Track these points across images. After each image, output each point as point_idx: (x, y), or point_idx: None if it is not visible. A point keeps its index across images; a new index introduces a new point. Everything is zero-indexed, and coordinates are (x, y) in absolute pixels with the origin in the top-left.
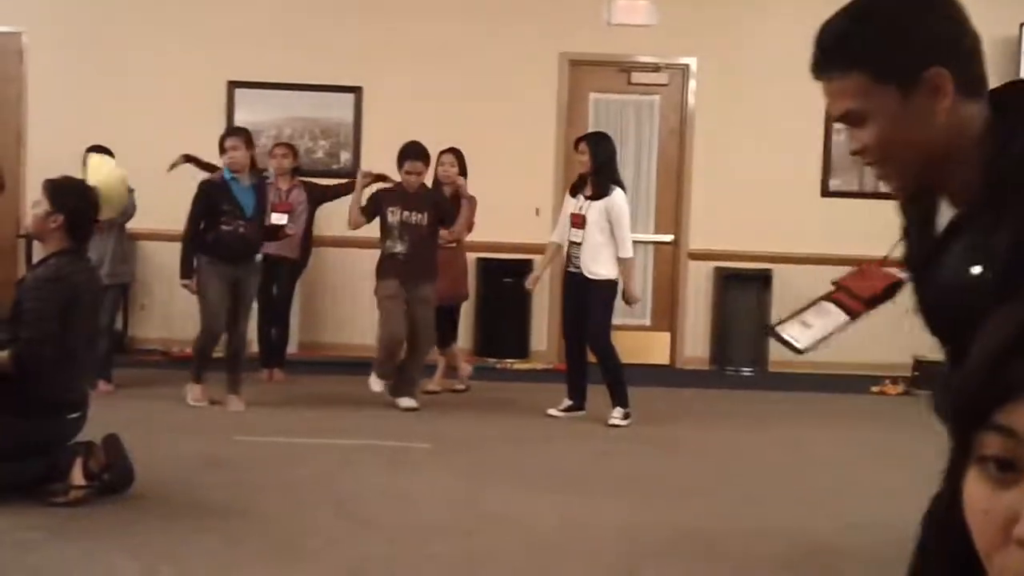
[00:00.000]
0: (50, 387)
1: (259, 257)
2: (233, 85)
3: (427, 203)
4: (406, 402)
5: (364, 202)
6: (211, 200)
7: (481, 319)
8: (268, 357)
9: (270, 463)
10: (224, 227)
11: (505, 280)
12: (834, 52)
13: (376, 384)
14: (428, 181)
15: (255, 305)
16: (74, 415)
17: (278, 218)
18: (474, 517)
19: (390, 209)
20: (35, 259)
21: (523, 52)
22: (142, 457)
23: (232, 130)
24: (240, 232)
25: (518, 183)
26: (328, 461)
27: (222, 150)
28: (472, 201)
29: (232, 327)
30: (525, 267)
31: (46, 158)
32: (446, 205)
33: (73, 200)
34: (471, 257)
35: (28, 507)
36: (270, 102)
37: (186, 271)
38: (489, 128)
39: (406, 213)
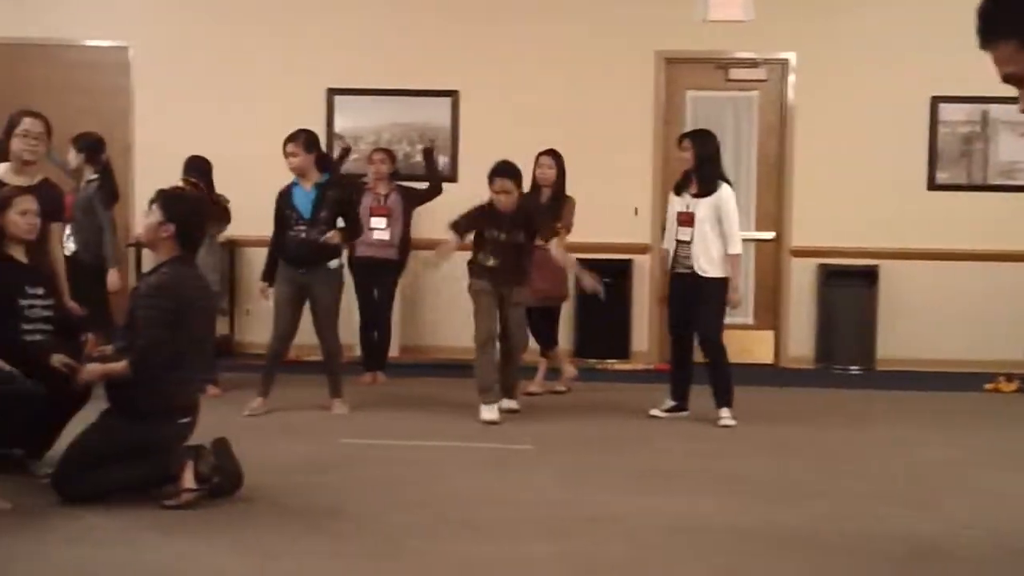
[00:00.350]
0: (162, 392)
1: (334, 263)
2: (332, 92)
3: (520, 222)
4: (507, 403)
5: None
6: (279, 206)
7: (581, 320)
8: (370, 360)
9: (375, 465)
10: (289, 232)
11: (605, 280)
12: (984, 27)
13: (488, 412)
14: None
15: (356, 309)
16: (185, 419)
17: (377, 222)
18: (577, 518)
19: (487, 230)
20: (145, 267)
21: (619, 51)
22: (250, 460)
23: (292, 135)
24: (301, 237)
25: (616, 183)
26: (431, 463)
27: (285, 155)
28: (570, 202)
29: (318, 332)
30: (625, 267)
31: (153, 168)
32: (540, 219)
33: (184, 210)
34: (571, 256)
35: (141, 508)
36: (368, 108)
37: (264, 275)
38: (586, 129)
39: (500, 234)
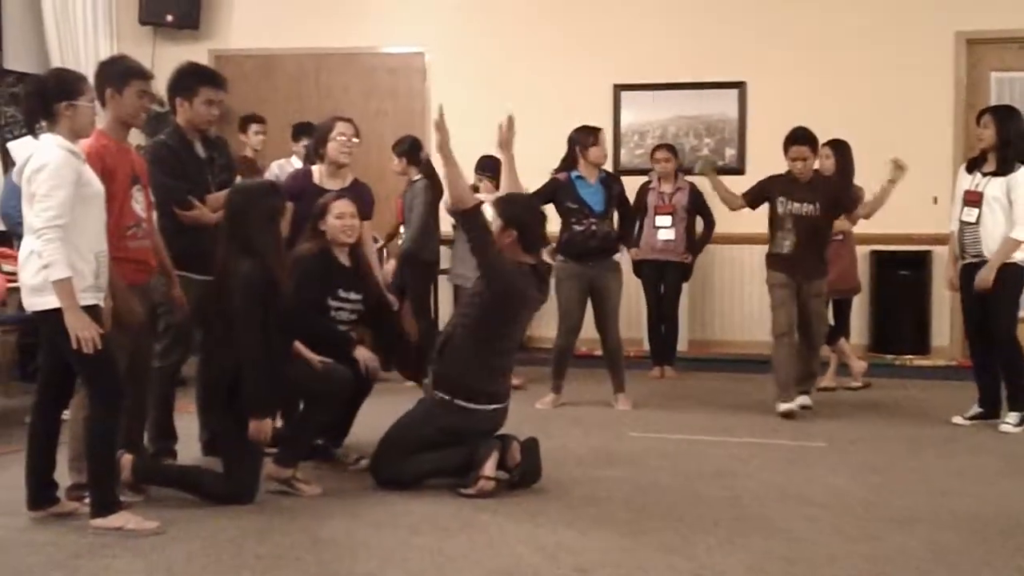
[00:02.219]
0: (476, 379)
1: (618, 256)
2: (619, 88)
3: (819, 192)
4: (801, 399)
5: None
6: (558, 199)
7: (876, 313)
8: (658, 355)
9: (665, 459)
10: (575, 227)
11: (901, 272)
12: None
13: (785, 405)
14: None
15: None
16: (496, 406)
17: (661, 221)
18: (876, 520)
19: (779, 199)
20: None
21: (916, 34)
22: (543, 451)
23: (597, 129)
24: (592, 230)
25: (913, 171)
26: (723, 458)
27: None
28: (859, 193)
29: (600, 327)
30: (924, 258)
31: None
32: (841, 193)
33: (522, 214)
34: (864, 249)
35: (443, 496)
36: (654, 102)
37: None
38: (881, 116)
39: (795, 204)
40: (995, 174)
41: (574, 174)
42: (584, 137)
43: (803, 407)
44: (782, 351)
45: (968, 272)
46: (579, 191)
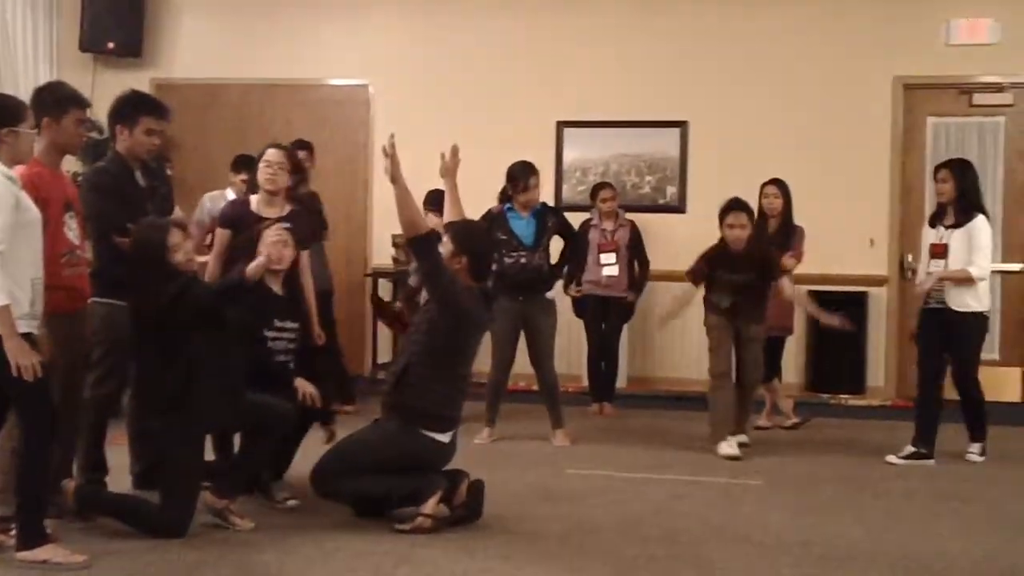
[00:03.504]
0: (438, 404)
1: (551, 294)
2: (562, 124)
3: (754, 263)
4: (739, 438)
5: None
6: (490, 229)
7: (813, 353)
8: (598, 391)
9: (603, 496)
10: (506, 259)
11: (836, 312)
12: None
13: (727, 447)
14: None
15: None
16: (453, 432)
17: (606, 258)
18: (813, 558)
19: (719, 272)
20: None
21: (855, 77)
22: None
23: (532, 168)
24: (521, 263)
25: (850, 212)
26: (660, 495)
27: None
28: (799, 231)
29: (535, 363)
30: (860, 299)
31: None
32: (772, 261)
33: (475, 241)
34: (801, 289)
35: (380, 532)
36: (597, 139)
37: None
38: (819, 156)
39: (733, 276)
40: (955, 226)
41: (507, 206)
42: (515, 183)
43: (741, 445)
44: (720, 392)
45: (931, 316)
46: (510, 223)
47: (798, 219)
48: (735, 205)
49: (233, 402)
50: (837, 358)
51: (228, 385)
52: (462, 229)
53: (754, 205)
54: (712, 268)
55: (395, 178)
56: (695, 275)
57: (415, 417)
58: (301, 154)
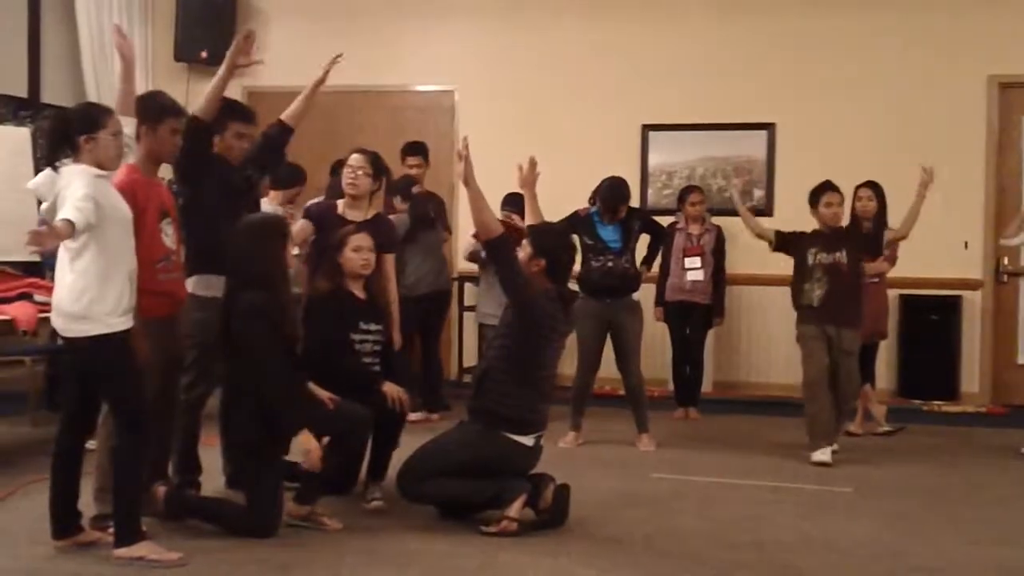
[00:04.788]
0: (519, 409)
1: (637, 295)
2: (647, 128)
3: (845, 240)
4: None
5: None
6: (576, 232)
7: (904, 358)
8: (683, 396)
9: (688, 501)
10: (593, 263)
11: (931, 317)
12: None
13: (821, 455)
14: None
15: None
16: (539, 434)
17: (691, 262)
18: (904, 568)
19: (809, 251)
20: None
21: (948, 77)
22: None
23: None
24: (608, 267)
25: (944, 215)
26: (747, 502)
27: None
28: (892, 234)
29: (621, 366)
30: (954, 303)
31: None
32: (866, 240)
33: (553, 243)
34: (893, 293)
35: (465, 535)
36: (682, 143)
37: None
38: (912, 160)
39: (824, 255)
40: None
41: (593, 210)
42: (604, 203)
43: (832, 452)
44: (815, 403)
45: None
46: (596, 227)
47: (894, 222)
48: (828, 186)
49: (308, 407)
50: (930, 363)
51: (298, 391)
52: (540, 231)
53: (847, 208)
54: (805, 247)
55: (468, 181)
56: (782, 239)
57: (496, 420)
58: (413, 160)
